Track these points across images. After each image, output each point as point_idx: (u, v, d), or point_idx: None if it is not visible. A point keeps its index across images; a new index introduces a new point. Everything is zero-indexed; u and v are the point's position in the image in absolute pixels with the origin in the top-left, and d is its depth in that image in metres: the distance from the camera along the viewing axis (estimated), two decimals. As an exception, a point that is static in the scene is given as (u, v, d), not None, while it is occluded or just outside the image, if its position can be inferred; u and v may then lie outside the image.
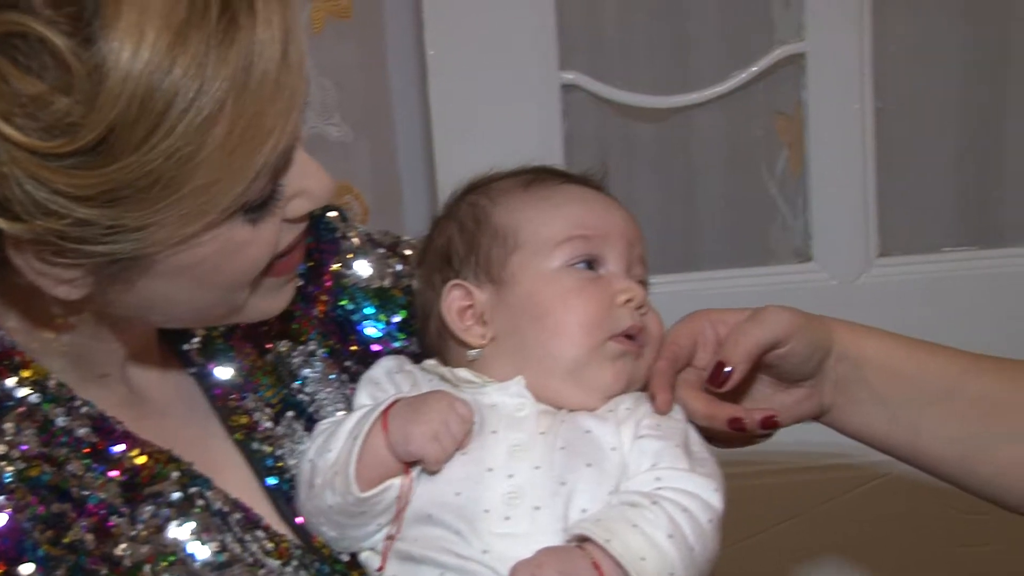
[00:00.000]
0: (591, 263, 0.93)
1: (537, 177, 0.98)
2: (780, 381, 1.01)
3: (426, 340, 0.98)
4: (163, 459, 0.84)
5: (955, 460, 1.05)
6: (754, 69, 1.62)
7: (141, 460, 0.83)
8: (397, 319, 1.02)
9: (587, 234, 0.93)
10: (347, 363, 0.99)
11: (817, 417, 1.05)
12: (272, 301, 0.86)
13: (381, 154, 1.63)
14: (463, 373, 0.91)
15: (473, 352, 0.92)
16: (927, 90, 1.66)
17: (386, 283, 1.04)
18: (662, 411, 0.91)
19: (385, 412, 0.85)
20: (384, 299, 1.03)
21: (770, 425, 0.98)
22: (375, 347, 1.01)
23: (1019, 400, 1.04)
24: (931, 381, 1.04)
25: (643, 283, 0.96)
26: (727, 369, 0.96)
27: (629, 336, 0.92)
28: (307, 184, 0.82)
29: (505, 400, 0.89)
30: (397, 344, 1.02)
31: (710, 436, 0.97)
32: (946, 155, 1.69)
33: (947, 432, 1.04)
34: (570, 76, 1.60)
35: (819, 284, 1.62)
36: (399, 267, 1.04)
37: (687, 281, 1.64)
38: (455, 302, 0.93)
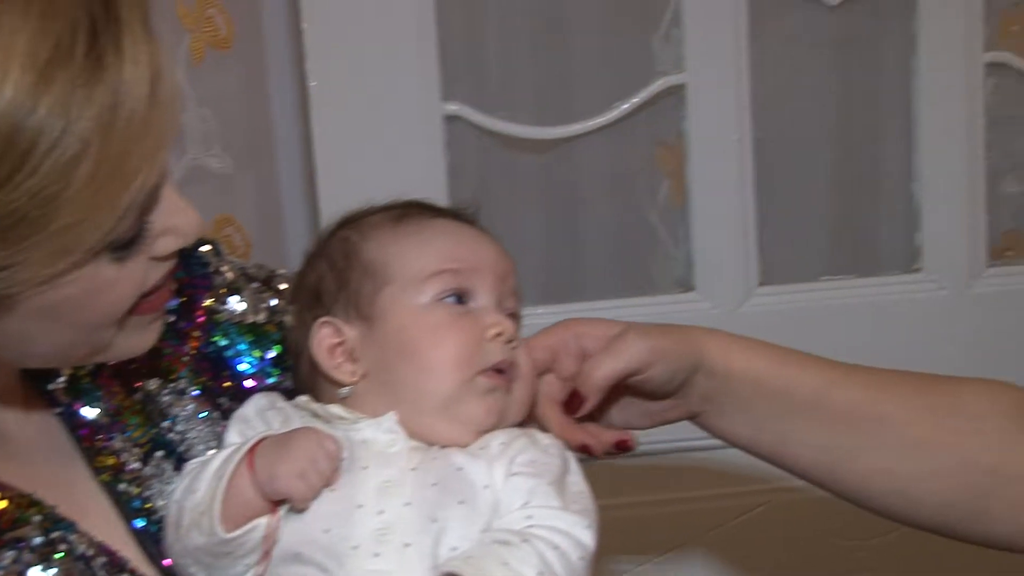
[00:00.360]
0: (461, 297, 0.93)
1: (408, 211, 0.98)
2: (643, 397, 1.03)
3: (299, 377, 0.97)
4: (24, 503, 0.81)
5: (821, 469, 1.07)
6: (635, 100, 1.63)
7: (1, 504, 0.80)
8: (271, 354, 1.02)
9: (457, 268, 0.93)
10: (220, 400, 0.98)
11: (688, 419, 1.06)
12: (139, 339, 0.84)
13: (263, 186, 1.62)
14: (335, 409, 0.90)
15: (344, 390, 0.92)
16: (804, 121, 1.69)
17: (260, 318, 1.03)
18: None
19: (251, 451, 0.84)
20: (258, 334, 1.02)
21: (624, 449, 0.99)
22: (249, 383, 1.00)
23: (883, 411, 1.06)
24: (798, 392, 1.06)
25: (515, 317, 0.96)
26: (582, 397, 0.97)
27: (499, 371, 0.92)
28: (175, 222, 0.81)
29: (377, 436, 0.88)
30: (271, 380, 1.01)
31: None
32: (823, 185, 1.71)
33: (813, 442, 1.06)
34: (453, 107, 1.61)
35: (701, 313, 1.63)
36: (274, 302, 1.04)
37: (570, 311, 1.62)
38: (325, 339, 0.92)
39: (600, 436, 1.01)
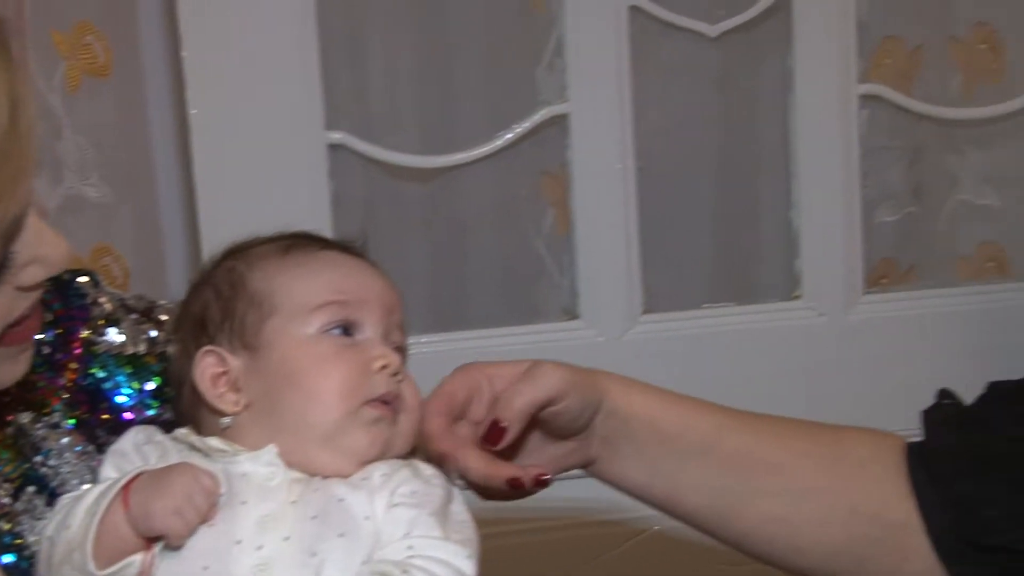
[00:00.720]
0: (347, 329, 0.92)
1: (296, 242, 0.98)
2: (550, 435, 1.03)
3: (180, 408, 0.96)
4: None
5: (711, 514, 1.08)
6: (519, 130, 1.64)
7: None
8: (151, 386, 1.00)
9: (344, 300, 0.93)
10: (97, 433, 0.96)
11: (584, 467, 1.06)
12: (7, 370, 0.82)
13: (142, 215, 1.60)
14: (214, 442, 0.89)
15: (226, 420, 0.90)
16: (686, 151, 1.71)
17: (140, 349, 1.01)
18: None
19: (126, 486, 0.83)
20: (137, 366, 1.00)
21: (542, 483, 0.99)
22: (127, 415, 0.98)
23: (772, 456, 1.08)
24: (691, 436, 1.07)
25: (401, 350, 0.96)
26: (502, 426, 0.97)
27: (385, 402, 0.91)
28: (42, 252, 0.79)
29: (257, 469, 0.87)
30: (151, 412, 0.99)
31: (482, 492, 0.97)
32: (705, 214, 1.74)
33: (704, 486, 1.07)
34: (336, 136, 1.60)
35: (586, 341, 1.65)
36: (153, 333, 1.02)
37: (456, 340, 1.64)
38: (208, 368, 0.91)
39: (524, 470, 1.00)
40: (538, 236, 1.71)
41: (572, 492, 1.58)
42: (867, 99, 1.67)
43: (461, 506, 0.92)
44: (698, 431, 1.07)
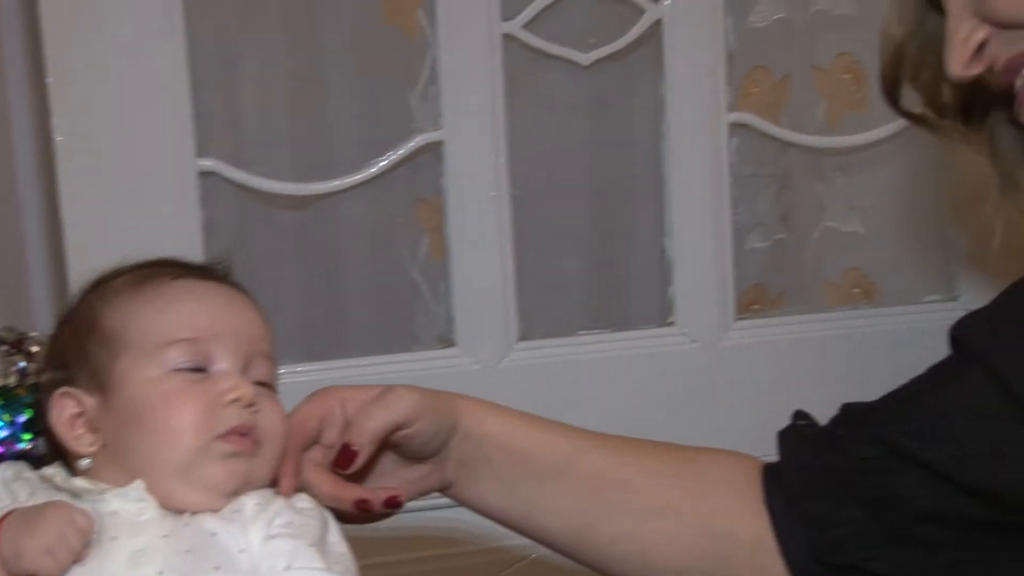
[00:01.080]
0: (200, 364, 0.91)
1: (153, 273, 0.96)
2: (405, 458, 1.03)
3: (48, 446, 0.94)
4: None
5: (567, 535, 1.10)
6: (393, 157, 1.64)
7: None
8: (23, 418, 0.98)
9: (195, 337, 0.92)
10: (-33, 467, 0.94)
11: (441, 490, 1.07)
12: None
13: (7, 245, 1.56)
14: (79, 482, 0.88)
15: (84, 462, 0.89)
16: (560, 178, 1.72)
17: (10, 381, 0.99)
18: (286, 494, 0.91)
19: (-4, 525, 0.81)
20: (9, 398, 0.99)
21: (393, 505, 1.00)
22: (-1, 448, 0.96)
23: (626, 476, 1.10)
24: (547, 457, 1.08)
25: (266, 382, 0.94)
26: (353, 450, 0.97)
27: (242, 434, 0.90)
28: None
29: (126, 506, 0.86)
30: (23, 445, 0.97)
31: (337, 516, 0.97)
32: (580, 241, 1.75)
33: (560, 507, 1.08)
34: (207, 163, 1.58)
35: (462, 369, 1.64)
36: (24, 364, 1.00)
37: (331, 368, 1.62)
38: (65, 410, 0.91)
39: (372, 493, 1.01)
40: (413, 263, 1.70)
41: (451, 520, 1.59)
42: (736, 127, 1.70)
43: (338, 536, 0.92)
44: (554, 453, 1.09)
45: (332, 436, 1.01)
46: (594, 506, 1.09)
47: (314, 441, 1.01)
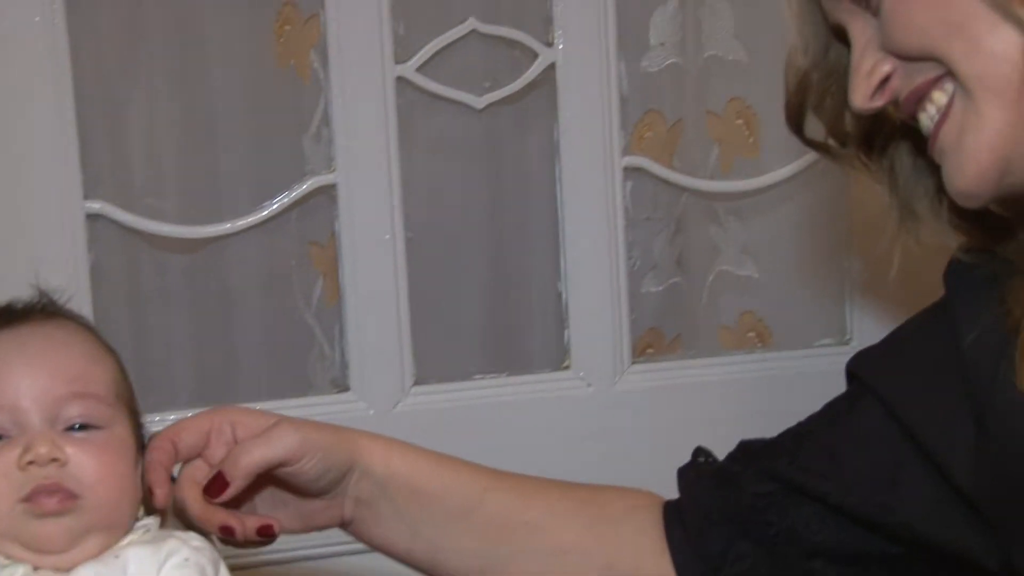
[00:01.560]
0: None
1: None
2: (295, 492, 1.02)
3: None
4: None
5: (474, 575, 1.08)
6: (285, 200, 1.62)
7: None
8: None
9: None
10: None
11: (340, 527, 1.06)
12: None
13: None
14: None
15: None
16: (455, 221, 1.72)
17: None
18: (160, 505, 0.92)
19: None
20: None
21: (267, 534, 0.99)
22: None
23: (531, 517, 1.09)
24: (453, 498, 1.08)
25: (86, 423, 0.93)
26: (225, 480, 0.96)
27: (51, 492, 0.89)
28: None
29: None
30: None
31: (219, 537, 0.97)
32: (475, 284, 1.74)
33: (465, 548, 1.08)
34: (95, 206, 1.55)
35: (358, 414, 1.63)
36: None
37: (224, 414, 1.59)
38: None
39: (243, 520, 0.99)
40: (307, 307, 1.68)
41: (349, 568, 1.56)
42: (630, 171, 1.71)
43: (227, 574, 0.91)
44: (459, 493, 1.09)
45: (217, 454, 1.00)
46: (500, 547, 1.09)
47: (195, 454, 1.00)
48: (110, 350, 1.02)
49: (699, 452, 1.23)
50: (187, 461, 1.00)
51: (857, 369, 1.18)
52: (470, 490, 1.10)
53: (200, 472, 0.99)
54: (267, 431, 1.00)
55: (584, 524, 1.13)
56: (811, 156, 1.70)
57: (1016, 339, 0.99)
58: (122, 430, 0.95)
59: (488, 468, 1.14)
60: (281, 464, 0.99)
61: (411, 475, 1.08)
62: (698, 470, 1.21)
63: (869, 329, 1.74)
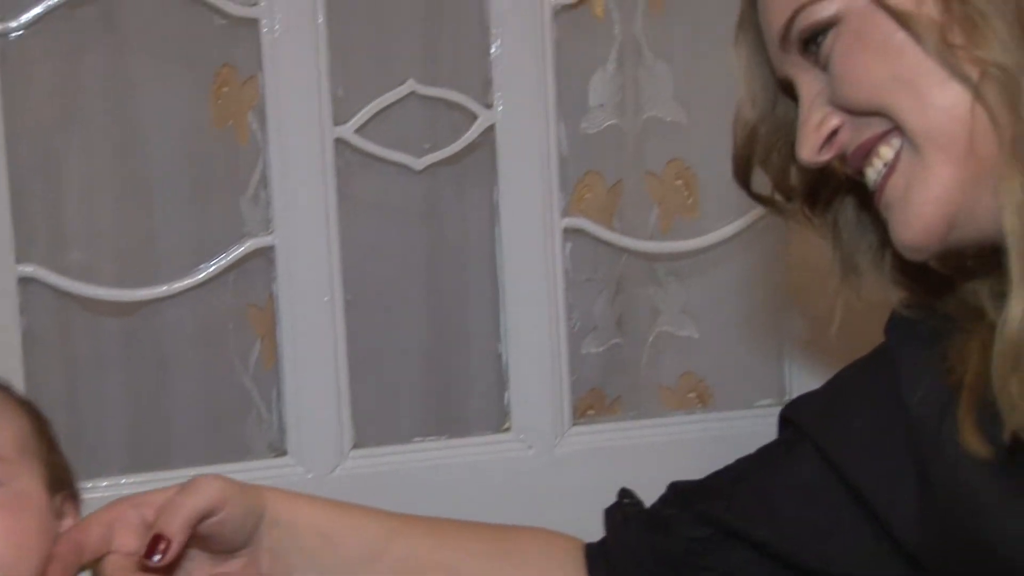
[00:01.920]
0: None
1: None
2: (216, 552, 1.01)
3: None
4: None
5: None
6: (223, 261, 1.61)
7: None
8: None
9: None
10: None
11: None
12: None
13: None
14: None
15: None
16: (395, 284, 1.71)
17: None
18: None
19: None
20: None
21: None
22: None
23: (443, 557, 1.10)
24: (361, 544, 1.09)
25: None
26: (165, 538, 0.95)
27: None
28: None
29: None
30: None
31: None
32: (415, 347, 1.73)
33: None
34: (28, 269, 1.53)
35: (296, 478, 1.60)
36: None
37: (158, 480, 1.55)
38: None
39: None
40: (244, 370, 1.66)
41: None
42: (570, 232, 1.71)
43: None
44: (367, 537, 1.09)
45: (129, 540, 0.98)
46: None
47: (102, 550, 0.98)
48: (21, 403, 1.01)
49: (624, 494, 1.24)
50: (97, 559, 0.99)
51: (794, 416, 1.18)
52: (379, 532, 1.11)
53: (124, 560, 0.98)
54: (185, 486, 1.01)
55: (500, 565, 1.14)
56: (750, 216, 1.71)
57: (959, 396, 0.99)
58: (26, 485, 0.94)
59: (396, 513, 1.15)
60: (209, 513, 0.99)
61: (318, 521, 1.09)
62: (625, 512, 1.21)
63: (808, 388, 1.74)
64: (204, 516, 0.99)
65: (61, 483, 1.00)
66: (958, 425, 0.97)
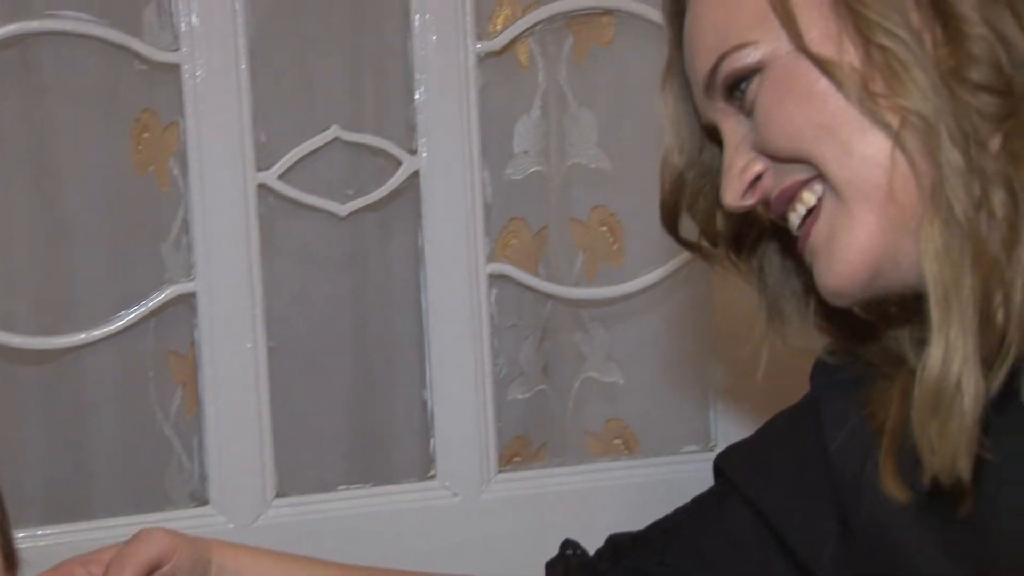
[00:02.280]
0: None
1: None
2: None
3: None
4: None
5: None
6: (143, 309, 1.59)
7: None
8: None
9: None
10: None
11: None
12: None
13: None
14: None
15: None
16: (318, 330, 1.70)
17: None
18: None
19: None
20: None
21: None
22: None
23: None
24: None
25: None
26: None
27: None
28: None
29: None
30: None
31: None
32: (339, 394, 1.72)
33: None
34: (-58, 316, 1.50)
35: (217, 528, 1.59)
36: None
37: (77, 531, 1.56)
38: None
39: None
40: (165, 419, 1.64)
41: None
42: (495, 278, 1.71)
43: None
44: None
45: None
46: None
47: None
48: None
49: (567, 545, 1.24)
50: None
51: (724, 466, 1.18)
52: None
53: None
54: (132, 539, 1.03)
55: None
56: (675, 262, 1.72)
57: (880, 441, 0.99)
58: None
59: (336, 562, 1.17)
60: (158, 563, 1.01)
61: (264, 571, 1.11)
62: (567, 564, 1.21)
63: (734, 434, 1.75)
64: (154, 567, 1.00)
65: (10, 560, 0.99)
66: (878, 470, 0.98)
